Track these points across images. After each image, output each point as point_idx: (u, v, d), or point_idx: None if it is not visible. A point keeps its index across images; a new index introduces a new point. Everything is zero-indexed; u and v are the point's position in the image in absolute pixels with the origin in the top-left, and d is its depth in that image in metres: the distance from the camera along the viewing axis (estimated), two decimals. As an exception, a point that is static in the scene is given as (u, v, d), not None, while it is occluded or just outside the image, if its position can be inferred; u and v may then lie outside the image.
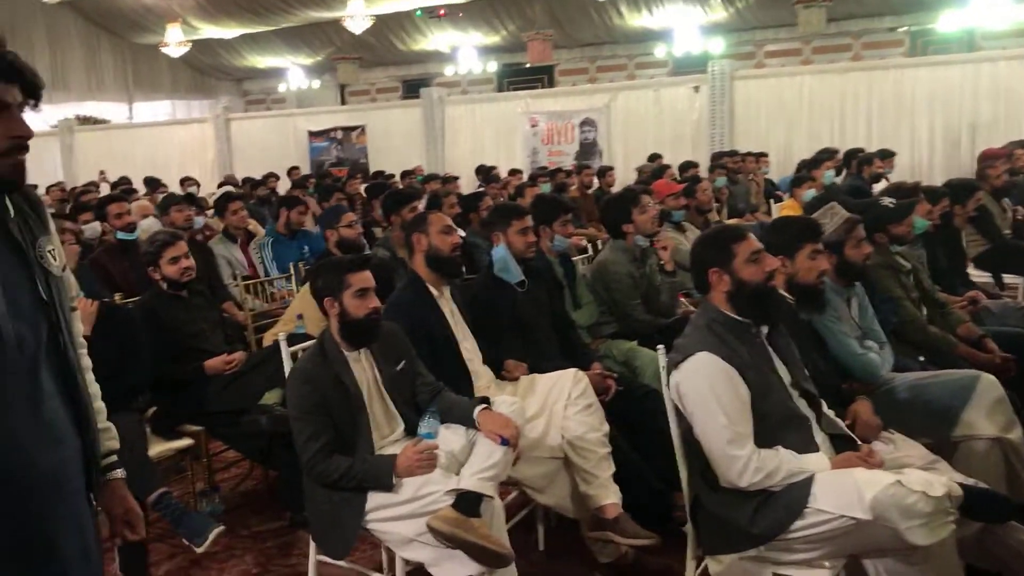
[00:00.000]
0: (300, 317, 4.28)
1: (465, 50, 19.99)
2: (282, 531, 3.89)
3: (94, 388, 1.90)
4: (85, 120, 20.55)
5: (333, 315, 3.03)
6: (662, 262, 4.49)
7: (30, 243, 1.72)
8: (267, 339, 4.58)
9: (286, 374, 3.28)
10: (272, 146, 14.71)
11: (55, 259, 1.77)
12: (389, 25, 19.58)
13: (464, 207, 5.92)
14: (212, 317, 4.32)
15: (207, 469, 4.17)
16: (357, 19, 16.81)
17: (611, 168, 10.25)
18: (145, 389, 3.88)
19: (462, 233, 4.37)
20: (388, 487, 2.79)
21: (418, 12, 18.37)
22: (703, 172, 9.29)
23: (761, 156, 10.36)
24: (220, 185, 10.52)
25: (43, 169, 15.30)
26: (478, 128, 13.25)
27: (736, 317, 2.71)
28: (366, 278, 3.06)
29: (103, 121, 21.02)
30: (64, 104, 21.32)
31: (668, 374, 2.74)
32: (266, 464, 4.16)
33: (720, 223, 6.44)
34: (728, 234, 2.80)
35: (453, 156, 13.18)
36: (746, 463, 2.51)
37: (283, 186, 11.52)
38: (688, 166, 9.54)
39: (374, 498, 2.82)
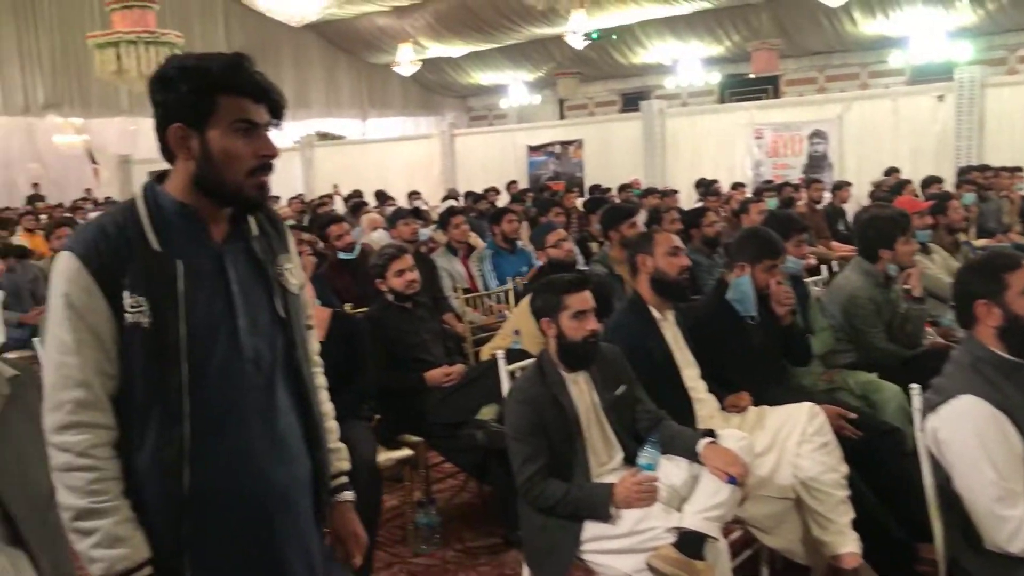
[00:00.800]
0: (517, 333, 4.26)
1: (686, 61, 19.65)
2: (496, 548, 3.86)
3: (327, 407, 1.91)
4: (323, 136, 21.97)
5: (551, 336, 2.97)
6: (908, 287, 4.09)
7: (270, 261, 1.75)
8: (484, 353, 4.59)
9: (504, 391, 3.25)
10: (493, 160, 15.05)
11: (293, 277, 1.79)
12: (610, 39, 19.60)
13: (686, 222, 5.72)
14: (434, 328, 4.39)
15: (425, 480, 4.22)
16: (579, 34, 16.91)
17: (848, 183, 9.62)
18: (369, 397, 3.98)
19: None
20: (605, 517, 2.68)
21: (594, 35, 18.27)
22: (948, 187, 8.55)
23: (1016, 171, 9.42)
24: (444, 199, 10.85)
25: (286, 183, 16.44)
26: (699, 140, 12.92)
27: (1007, 356, 2.37)
28: (584, 299, 2.97)
29: (339, 137, 22.38)
30: (305, 120, 22.92)
31: (924, 417, 2.44)
32: (481, 479, 4.15)
33: (972, 246, 5.85)
34: (1000, 262, 2.46)
35: (672, 169, 12.93)
36: (1018, 526, 2.19)
37: (503, 200, 11.74)
38: (931, 181, 8.80)
39: (591, 528, 2.71)
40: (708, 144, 12.84)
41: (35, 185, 19.09)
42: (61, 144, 20.60)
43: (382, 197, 11.92)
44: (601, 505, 2.69)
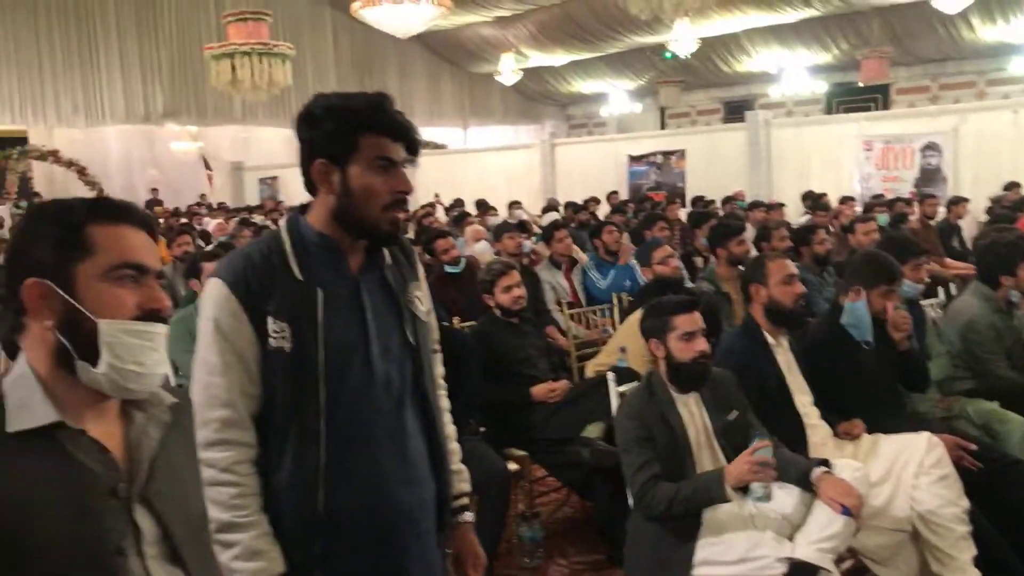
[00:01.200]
0: (623, 351, 4.27)
1: (792, 70, 19.26)
2: (598, 565, 3.88)
3: (450, 429, 1.98)
4: (426, 145, 22.34)
5: (660, 357, 2.98)
6: (1032, 314, 3.95)
7: (402, 289, 1.82)
8: (589, 369, 4.61)
9: (612, 410, 3.27)
10: (593, 170, 15.03)
11: (422, 304, 1.86)
12: (714, 47, 19.37)
13: (796, 240, 5.61)
14: (539, 344, 4.43)
15: (528, 494, 4.26)
16: (682, 42, 16.76)
17: (964, 199, 9.24)
18: (475, 411, 4.05)
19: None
20: (721, 495, 2.66)
21: (667, 55, 18.18)
22: (1073, 204, 8.15)
23: None
24: (544, 209, 10.91)
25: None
26: (805, 152, 12.64)
27: None
28: (693, 320, 2.97)
29: (441, 146, 22.73)
30: (410, 129, 23.32)
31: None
32: (585, 496, 4.17)
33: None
34: None
35: (778, 181, 12.69)
36: None
37: (603, 210, 11.73)
38: (1055, 197, 8.42)
39: (703, 551, 2.70)
40: (815, 156, 12.55)
41: (154, 190, 19.97)
42: (178, 151, 21.51)
43: (483, 207, 12.05)
44: (715, 487, 2.68)
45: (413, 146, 1.75)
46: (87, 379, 1.24)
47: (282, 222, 1.82)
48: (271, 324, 1.67)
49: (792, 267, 3.48)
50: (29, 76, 18.23)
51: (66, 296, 1.24)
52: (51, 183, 19.71)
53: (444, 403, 1.98)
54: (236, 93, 15.12)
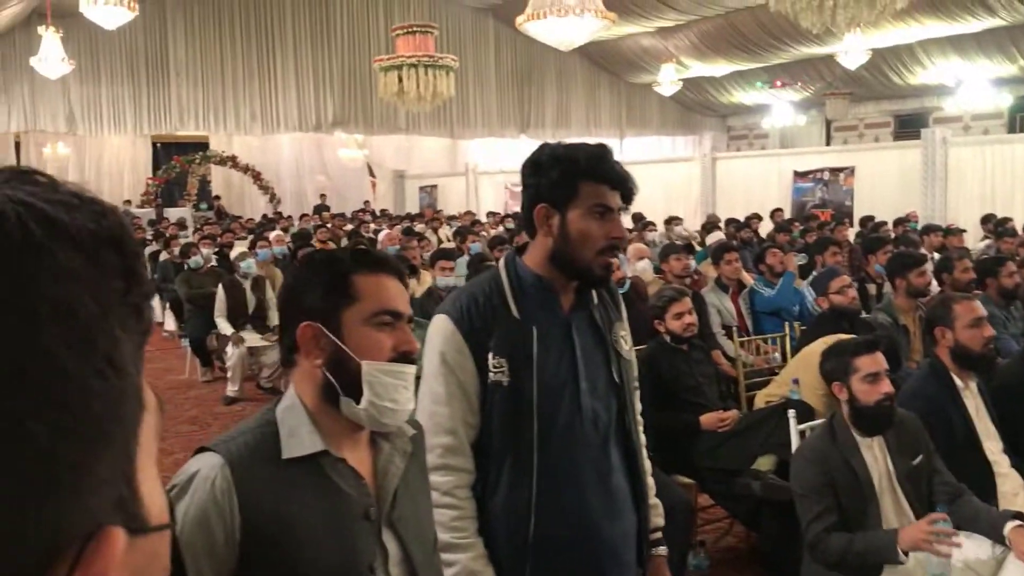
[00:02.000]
0: (796, 382, 4.20)
1: (971, 82, 18.24)
2: (765, 599, 3.84)
3: (647, 464, 2.04)
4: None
5: (842, 400, 2.93)
6: None
7: (608, 328, 1.91)
8: (759, 400, 4.56)
9: (792, 446, 3.24)
10: (755, 186, 14.67)
11: (626, 344, 1.95)
12: (885, 58, 18.59)
13: (980, 271, 5.35)
14: (708, 371, 4.42)
15: (694, 523, 4.25)
16: (852, 54, 16.18)
17: None
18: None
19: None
20: (894, 558, 2.61)
21: (759, 84, 17.66)
22: None
23: None
24: (704, 226, 10.76)
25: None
26: (987, 172, 11.93)
27: None
28: (876, 361, 2.91)
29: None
30: (566, 139, 23.46)
31: None
32: (753, 528, 4.13)
33: None
34: None
35: (954, 202, 12.05)
36: None
37: (765, 227, 11.47)
38: None
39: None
40: (998, 176, 11.82)
41: (322, 196, 20.95)
42: (345, 158, 22.50)
43: (640, 221, 12.01)
44: (889, 549, 2.62)
45: (628, 195, 1.83)
46: (349, 413, 1.40)
47: (500, 263, 1.95)
48: (491, 359, 1.81)
49: (981, 309, 3.35)
50: (212, 87, 19.53)
51: (335, 339, 1.39)
52: (228, 187, 21.03)
53: (643, 438, 2.05)
54: (402, 103, 15.68)
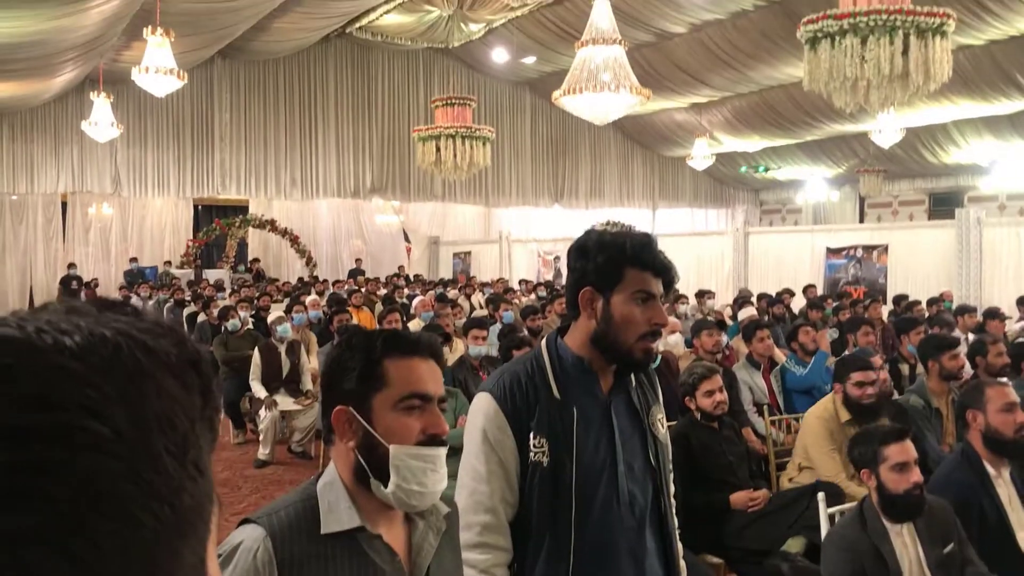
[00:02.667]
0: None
1: (1005, 161, 18.24)
2: None
3: (680, 548, 2.07)
4: (613, 225, 22.60)
5: (871, 488, 2.93)
6: None
7: (645, 411, 1.96)
8: (783, 481, 4.54)
9: (821, 529, 3.24)
10: (787, 260, 14.69)
11: (662, 427, 1.99)
12: (920, 136, 18.68)
13: (1015, 356, 5.33)
14: (739, 450, 4.43)
15: (722, 603, 4.22)
16: (886, 132, 16.30)
17: None
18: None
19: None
20: None
21: (761, 168, 18.18)
22: None
23: None
24: (737, 301, 10.77)
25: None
26: (1022, 252, 11.88)
27: None
28: (905, 450, 2.91)
29: (629, 227, 22.91)
30: (598, 209, 23.77)
31: None
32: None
33: None
34: None
35: (989, 282, 11.98)
36: None
37: (797, 303, 11.46)
38: None
39: None
40: (1035, 256, 11.78)
41: (358, 260, 21.24)
42: (381, 223, 22.84)
43: (672, 294, 12.03)
44: None
45: (670, 283, 1.90)
46: (379, 494, 1.46)
47: (543, 343, 2.01)
48: (532, 439, 1.85)
49: (1013, 395, 3.36)
50: (254, 153, 20.05)
51: (365, 423, 1.45)
52: (266, 249, 21.40)
53: (676, 522, 2.08)
54: (439, 172, 15.99)
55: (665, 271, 1.88)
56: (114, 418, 0.44)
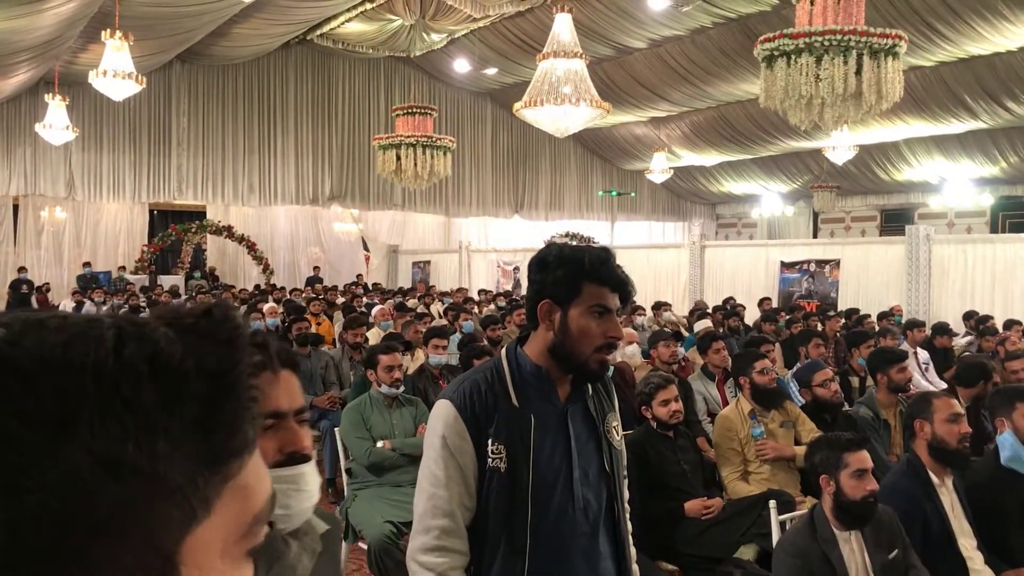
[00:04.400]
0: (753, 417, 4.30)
1: (955, 181, 18.73)
2: None
3: (633, 552, 2.13)
4: (572, 237, 22.79)
5: (827, 493, 3.01)
6: None
7: (601, 419, 2.02)
8: (735, 489, 4.63)
9: (773, 536, 3.32)
10: (742, 274, 14.92)
11: (617, 434, 2.05)
12: (872, 154, 19.12)
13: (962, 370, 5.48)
14: (694, 459, 4.50)
15: (676, 609, 4.28)
16: (840, 149, 16.66)
17: None
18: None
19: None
20: None
21: (612, 192, 20.37)
22: None
23: None
24: (693, 312, 10.93)
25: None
26: (970, 270, 12.20)
27: None
28: (863, 458, 3.00)
29: (588, 239, 23.10)
30: (558, 220, 23.92)
31: None
32: (733, 617, 4.16)
33: None
34: None
35: (938, 298, 12.29)
36: None
37: (750, 314, 11.65)
38: None
39: None
40: (980, 274, 12.09)
41: (316, 268, 21.12)
42: (340, 231, 22.75)
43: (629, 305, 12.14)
44: None
45: (626, 297, 1.96)
46: None
47: (503, 352, 2.06)
48: (490, 445, 1.90)
49: (958, 406, 3.47)
50: (213, 158, 19.90)
51: None
52: (223, 256, 21.21)
53: (629, 526, 2.13)
54: (398, 181, 15.99)
55: (622, 286, 1.93)
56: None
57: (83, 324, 0.49)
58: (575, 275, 1.91)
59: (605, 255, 1.94)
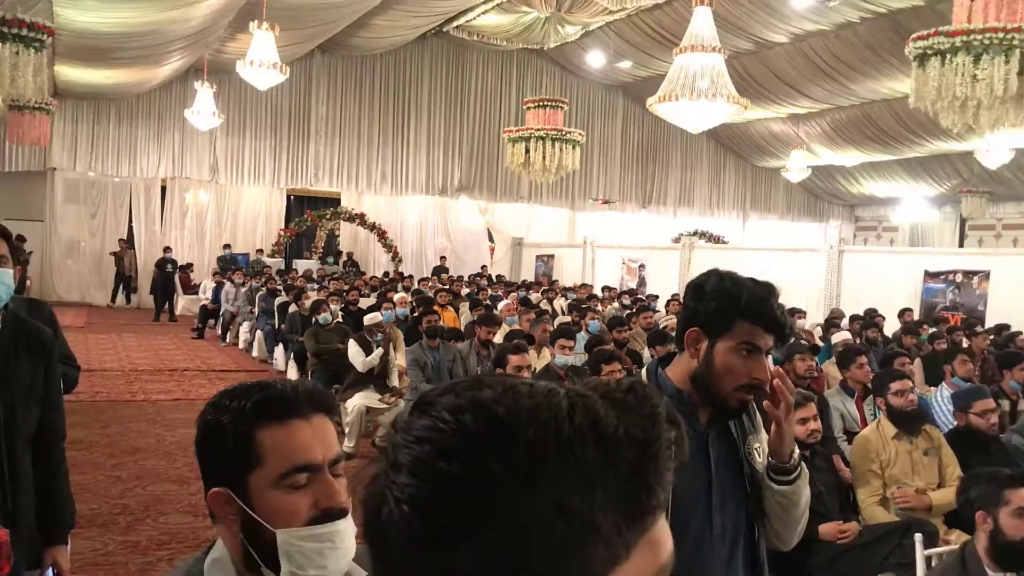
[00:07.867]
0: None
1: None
2: None
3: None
4: (702, 235, 22.33)
5: (983, 531, 2.81)
6: None
7: (742, 441, 1.93)
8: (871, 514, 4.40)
9: (916, 570, 3.13)
10: (881, 282, 14.14)
11: (759, 455, 1.95)
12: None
13: None
14: (829, 480, 4.31)
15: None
16: (994, 152, 15.70)
17: None
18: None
19: None
20: None
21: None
22: None
23: None
24: (828, 321, 10.48)
25: (661, 281, 16.83)
26: None
27: None
28: (1027, 496, 2.78)
29: (717, 238, 22.59)
30: (687, 218, 23.49)
31: None
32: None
33: None
34: None
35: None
36: None
37: (889, 326, 11.09)
38: None
39: None
40: None
41: (442, 258, 21.43)
42: (467, 223, 23.00)
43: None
44: None
45: (783, 339, 1.85)
46: None
47: (643, 372, 2.02)
48: None
49: None
50: (348, 147, 20.48)
51: (244, 506, 1.25)
52: (355, 242, 21.77)
53: (765, 553, 2.04)
54: (526, 173, 16.01)
55: (778, 328, 1.84)
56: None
57: (544, 391, 0.60)
58: (729, 311, 1.83)
59: (766, 294, 1.84)
